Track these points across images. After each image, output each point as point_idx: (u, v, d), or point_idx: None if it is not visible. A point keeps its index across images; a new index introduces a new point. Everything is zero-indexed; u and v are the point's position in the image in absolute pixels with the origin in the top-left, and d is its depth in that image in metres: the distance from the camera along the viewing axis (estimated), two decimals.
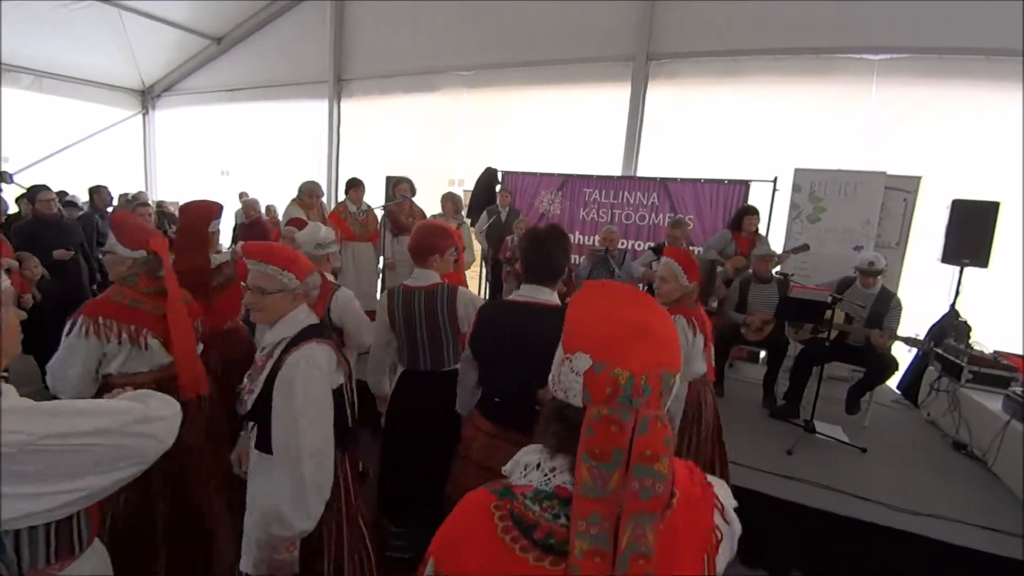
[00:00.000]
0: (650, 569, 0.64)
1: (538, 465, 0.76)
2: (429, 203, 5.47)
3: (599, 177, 6.13)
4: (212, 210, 2.51)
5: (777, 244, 4.86)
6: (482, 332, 1.77)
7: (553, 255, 1.69)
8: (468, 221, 6.25)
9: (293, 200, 4.90)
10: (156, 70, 9.65)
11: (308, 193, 4.89)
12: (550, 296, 1.70)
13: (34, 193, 4.31)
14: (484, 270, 5.95)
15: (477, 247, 5.94)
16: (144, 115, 10.23)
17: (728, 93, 5.86)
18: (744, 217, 4.63)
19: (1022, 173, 4.50)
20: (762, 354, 4.96)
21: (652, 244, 5.36)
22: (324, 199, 5.34)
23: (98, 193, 6.04)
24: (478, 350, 1.80)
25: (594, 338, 0.71)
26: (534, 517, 0.70)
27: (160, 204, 7.90)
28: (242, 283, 1.59)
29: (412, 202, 5.38)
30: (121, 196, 7.20)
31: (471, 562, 0.70)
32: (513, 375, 1.70)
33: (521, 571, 0.67)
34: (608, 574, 0.63)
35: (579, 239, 6.10)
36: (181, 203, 2.79)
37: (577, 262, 5.51)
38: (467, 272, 6.05)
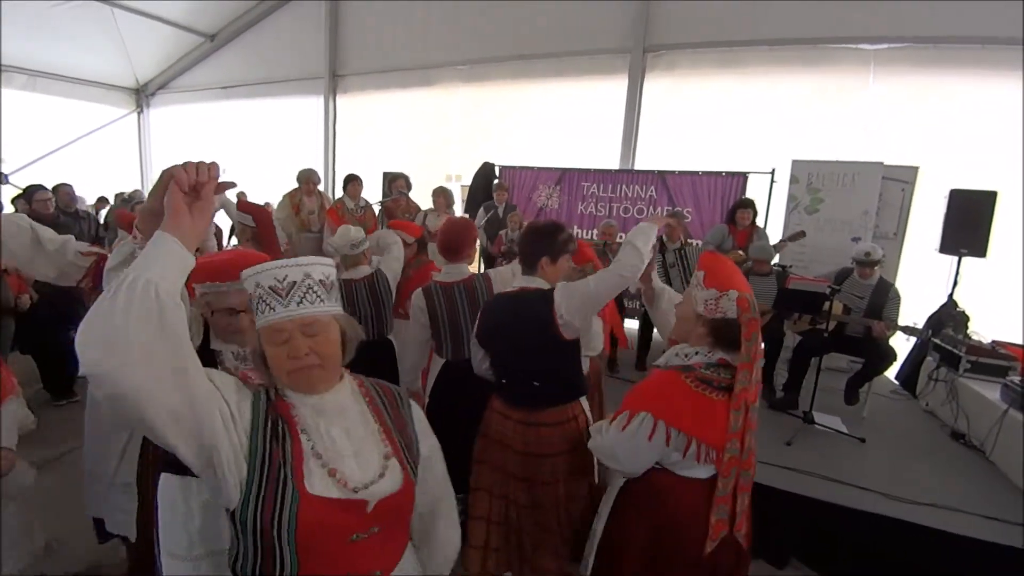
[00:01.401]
0: (758, 390, 1.42)
1: (696, 353, 1.45)
2: (426, 199, 5.46)
3: (597, 171, 6.12)
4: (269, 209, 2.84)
5: (775, 236, 4.87)
6: (484, 324, 1.93)
7: (542, 248, 1.85)
8: (466, 217, 6.25)
9: (286, 195, 4.90)
10: (150, 68, 9.58)
11: (305, 180, 4.91)
12: (537, 282, 1.85)
13: (31, 193, 4.29)
14: (480, 265, 5.95)
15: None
16: (139, 113, 10.16)
17: (725, 85, 5.84)
18: (737, 211, 4.64)
19: (1022, 162, 4.50)
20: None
21: None
22: (321, 188, 5.32)
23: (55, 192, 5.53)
24: (484, 341, 1.95)
25: (739, 282, 1.44)
26: (710, 375, 1.40)
27: None
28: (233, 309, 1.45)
29: (409, 198, 5.37)
30: (117, 195, 7.18)
31: (680, 403, 1.38)
32: (513, 359, 1.87)
33: (707, 402, 1.37)
34: (754, 398, 1.37)
35: (578, 233, 6.09)
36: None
37: None
38: None
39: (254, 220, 2.85)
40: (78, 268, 1.90)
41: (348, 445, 1.00)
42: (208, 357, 1.41)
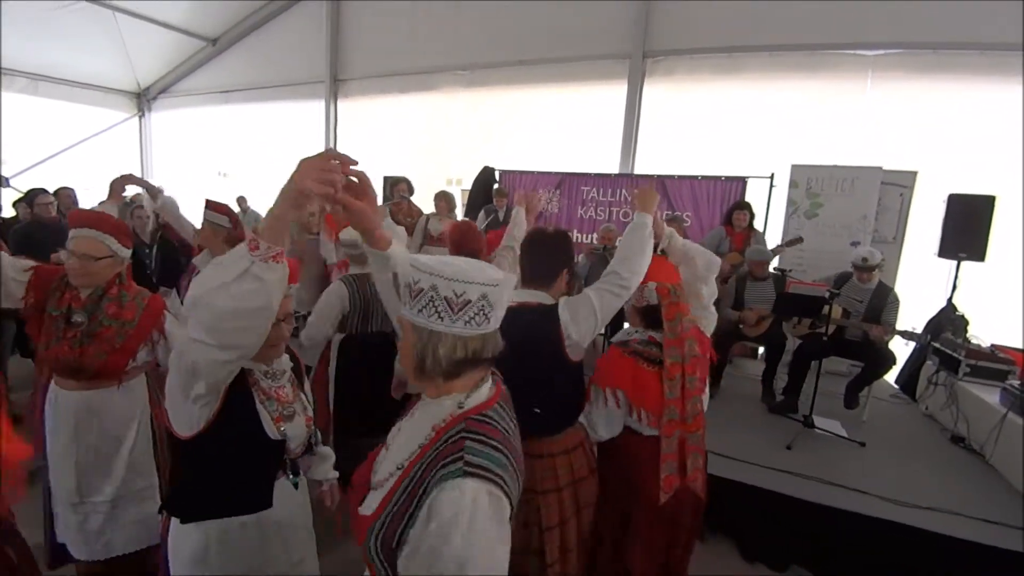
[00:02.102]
0: (700, 363, 1.70)
1: (635, 332, 1.80)
2: (427, 203, 5.47)
3: (597, 175, 6.13)
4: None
5: (773, 239, 4.88)
6: None
7: (543, 259, 1.71)
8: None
9: None
10: (152, 72, 9.63)
11: None
12: (542, 297, 1.68)
13: (33, 197, 4.29)
14: None
15: None
16: (140, 117, 10.20)
17: (724, 90, 5.87)
18: (734, 213, 4.65)
19: (1021, 167, 4.51)
20: (760, 350, 4.98)
21: None
22: None
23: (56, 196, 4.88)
24: None
25: (661, 275, 1.73)
26: (642, 349, 1.72)
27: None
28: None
29: (411, 202, 5.38)
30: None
31: (619, 371, 1.70)
32: (512, 384, 1.68)
33: (641, 371, 1.68)
34: (681, 372, 1.64)
35: (577, 237, 6.10)
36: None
37: (576, 261, 5.51)
38: None
39: (231, 221, 2.70)
40: (17, 284, 1.79)
41: (395, 455, 0.97)
42: (239, 377, 1.25)
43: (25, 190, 4.44)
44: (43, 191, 4.36)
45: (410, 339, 0.92)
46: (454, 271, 0.87)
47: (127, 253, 1.93)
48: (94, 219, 1.86)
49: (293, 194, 0.94)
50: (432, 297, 0.87)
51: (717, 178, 5.53)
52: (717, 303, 4.52)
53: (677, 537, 1.75)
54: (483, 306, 0.89)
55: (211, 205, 2.74)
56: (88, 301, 1.82)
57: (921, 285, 4.70)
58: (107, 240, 1.82)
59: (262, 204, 7.51)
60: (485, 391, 0.96)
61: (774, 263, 4.41)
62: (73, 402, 1.83)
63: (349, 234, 2.81)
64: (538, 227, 1.91)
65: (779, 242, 4.75)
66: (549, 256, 1.71)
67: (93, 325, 1.80)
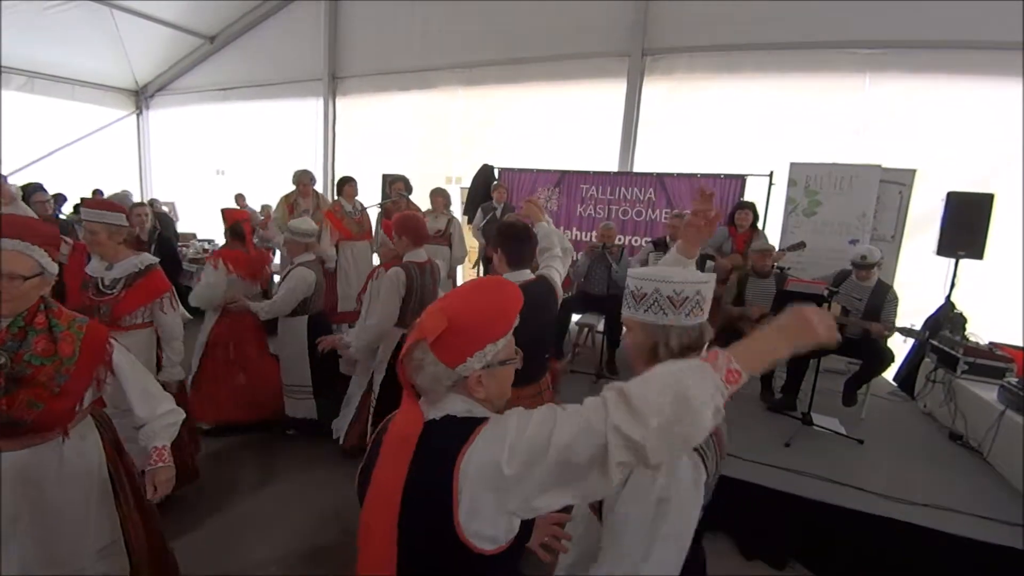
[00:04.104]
0: None
1: None
2: (425, 201, 5.47)
3: (596, 173, 6.13)
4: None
5: (774, 239, 4.87)
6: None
7: (528, 246, 2.20)
8: (464, 218, 6.26)
9: (283, 196, 4.93)
10: (149, 70, 9.59)
11: (298, 181, 4.96)
12: (528, 276, 2.20)
13: (29, 193, 4.28)
14: (480, 267, 5.96)
15: (473, 244, 5.93)
16: (138, 115, 10.17)
17: (723, 88, 5.86)
18: (736, 212, 4.64)
19: (1021, 165, 4.52)
20: None
21: (650, 239, 5.37)
22: (320, 189, 5.35)
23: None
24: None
25: None
26: None
27: (152, 203, 7.84)
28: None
29: (409, 200, 5.38)
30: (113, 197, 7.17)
31: None
32: (525, 338, 2.10)
33: None
34: None
35: (577, 235, 6.10)
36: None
37: (575, 258, 5.50)
38: (461, 267, 6.09)
39: (128, 219, 2.45)
40: None
41: None
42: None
43: (20, 185, 4.43)
44: (39, 187, 4.35)
45: (639, 336, 1.15)
46: (669, 274, 1.13)
47: (56, 269, 1.52)
48: (19, 226, 1.44)
49: (800, 335, 0.93)
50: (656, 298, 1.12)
51: (716, 176, 5.52)
52: (717, 300, 4.53)
53: None
54: (698, 300, 1.13)
55: (97, 204, 2.39)
56: (8, 336, 1.39)
57: (920, 283, 4.70)
58: (36, 253, 1.44)
59: (259, 202, 7.50)
60: None
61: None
62: (7, 466, 1.42)
63: (301, 224, 3.29)
64: (510, 222, 2.28)
65: (778, 242, 4.75)
66: (531, 244, 2.22)
67: (19, 367, 1.38)
